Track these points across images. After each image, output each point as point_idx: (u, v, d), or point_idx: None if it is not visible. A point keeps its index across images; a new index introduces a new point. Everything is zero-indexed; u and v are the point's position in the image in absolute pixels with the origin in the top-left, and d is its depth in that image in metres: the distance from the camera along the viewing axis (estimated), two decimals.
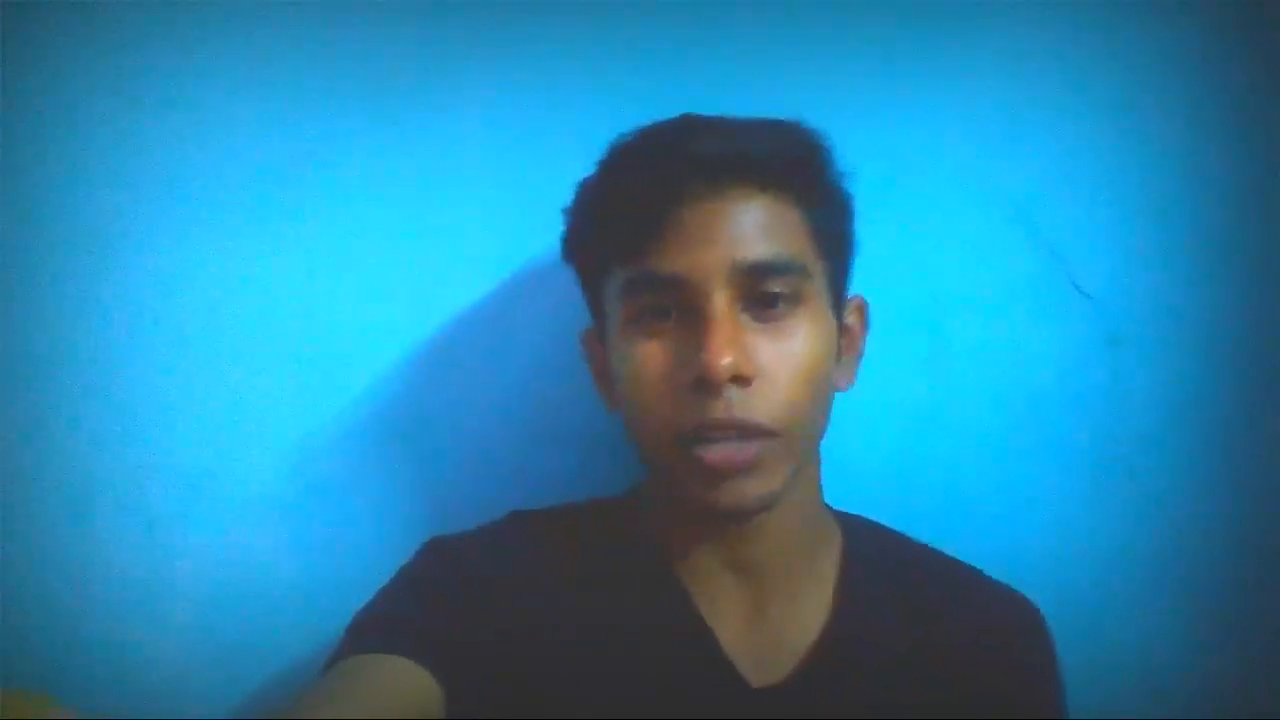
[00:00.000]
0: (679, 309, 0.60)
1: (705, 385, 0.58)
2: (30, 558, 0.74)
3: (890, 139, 0.79)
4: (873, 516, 0.73)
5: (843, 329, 0.66)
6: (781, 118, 0.64)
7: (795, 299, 0.61)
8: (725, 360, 0.57)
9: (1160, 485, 0.80)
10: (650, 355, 0.60)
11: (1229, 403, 0.80)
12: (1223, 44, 0.81)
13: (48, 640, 0.74)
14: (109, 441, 0.75)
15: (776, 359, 0.60)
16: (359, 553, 0.77)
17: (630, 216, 0.61)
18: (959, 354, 0.80)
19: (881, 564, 0.68)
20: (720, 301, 0.59)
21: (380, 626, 0.60)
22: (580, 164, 0.67)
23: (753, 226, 0.60)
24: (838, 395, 0.66)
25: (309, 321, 0.77)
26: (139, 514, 0.75)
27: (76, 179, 0.75)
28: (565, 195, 0.69)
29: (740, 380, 0.58)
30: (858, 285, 0.69)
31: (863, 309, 0.69)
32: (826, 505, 0.69)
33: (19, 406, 0.74)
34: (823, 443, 0.66)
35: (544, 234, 0.77)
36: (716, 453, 0.59)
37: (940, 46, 0.80)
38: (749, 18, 0.79)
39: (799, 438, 0.61)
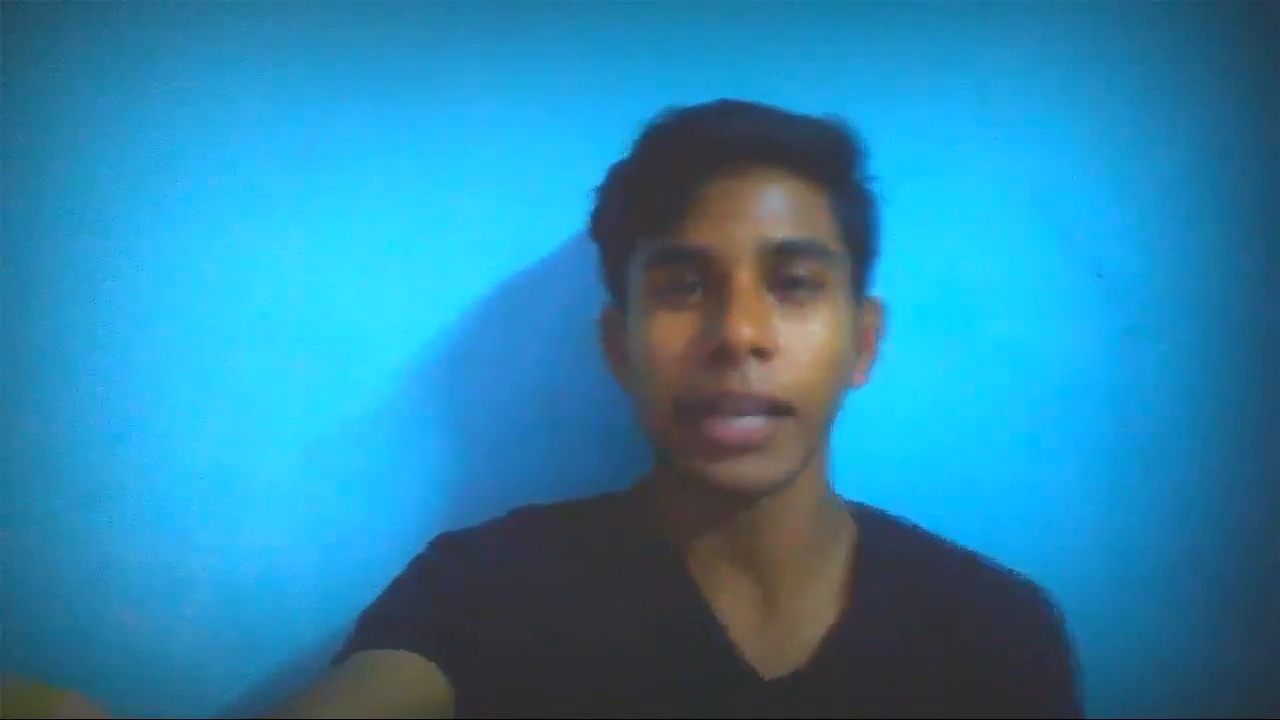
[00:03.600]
0: (703, 284, 0.60)
1: (725, 355, 0.58)
2: (44, 552, 0.74)
3: (909, 129, 0.79)
4: (891, 508, 0.72)
5: (860, 327, 0.66)
6: (820, 114, 0.64)
7: (818, 284, 0.61)
8: (747, 330, 0.57)
9: (1179, 477, 0.80)
10: (671, 326, 0.60)
11: (1249, 394, 0.80)
12: (1243, 34, 0.80)
13: (63, 632, 0.74)
14: (121, 436, 0.75)
15: (797, 338, 0.60)
16: (372, 545, 0.77)
17: (659, 191, 0.61)
18: (977, 345, 0.80)
19: (893, 554, 0.68)
20: (745, 276, 0.59)
21: (388, 622, 0.61)
22: (590, 156, 0.67)
23: (781, 207, 0.60)
24: (855, 389, 0.66)
25: (320, 315, 0.77)
26: (152, 509, 0.75)
27: (83, 173, 0.75)
28: (575, 186, 0.68)
29: (760, 353, 0.58)
30: (876, 274, 0.68)
31: (880, 310, 0.69)
32: (837, 496, 0.69)
33: (31, 402, 0.74)
34: (841, 434, 0.66)
35: (555, 225, 0.77)
36: (730, 429, 0.58)
37: (960, 37, 0.79)
38: (767, 7, 0.78)
39: (812, 419, 0.61)
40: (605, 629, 0.63)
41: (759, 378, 0.58)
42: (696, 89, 0.66)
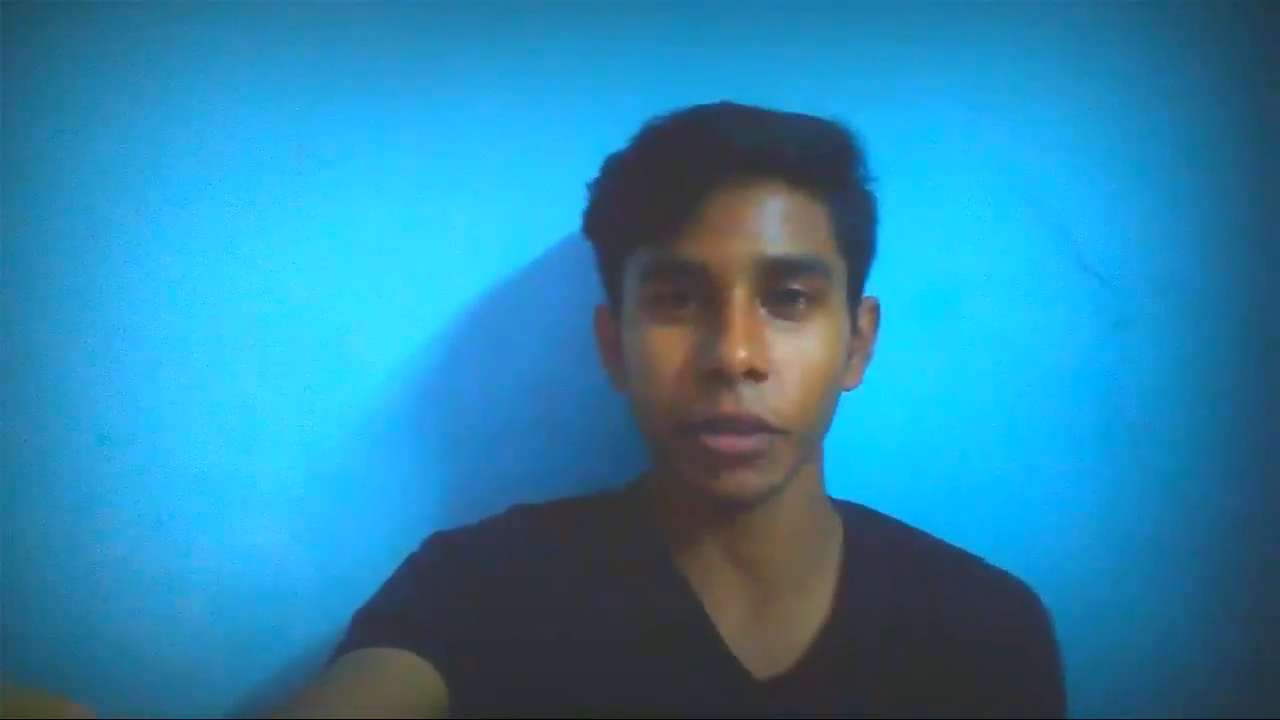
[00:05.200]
0: (698, 297, 0.60)
1: (720, 377, 0.58)
2: (40, 556, 0.74)
3: (899, 119, 0.79)
4: (882, 503, 0.72)
5: (855, 329, 0.66)
6: (819, 115, 0.64)
7: (815, 298, 0.61)
8: (742, 354, 0.57)
9: (1171, 469, 0.80)
10: (666, 341, 0.61)
11: (1241, 385, 0.80)
12: (1234, 25, 0.80)
13: (59, 637, 0.74)
14: (117, 440, 0.75)
15: (791, 357, 0.60)
16: (369, 547, 0.77)
17: (658, 200, 0.61)
18: (967, 337, 0.80)
19: (882, 554, 0.68)
20: (741, 294, 0.59)
21: (383, 621, 0.61)
22: (587, 156, 0.67)
23: (779, 221, 0.60)
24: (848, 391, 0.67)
25: (315, 317, 0.77)
26: (148, 512, 0.75)
27: (78, 176, 0.74)
28: (570, 185, 0.68)
29: (754, 375, 0.59)
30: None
31: (875, 310, 0.69)
32: (827, 496, 0.69)
33: (26, 406, 0.74)
34: (830, 431, 0.66)
35: (551, 226, 0.77)
36: (721, 440, 0.59)
37: (949, 25, 0.79)
38: (757, 5, 0.78)
39: (804, 436, 0.61)
40: (598, 628, 0.63)
41: (753, 398, 0.59)
42: (693, 88, 0.66)
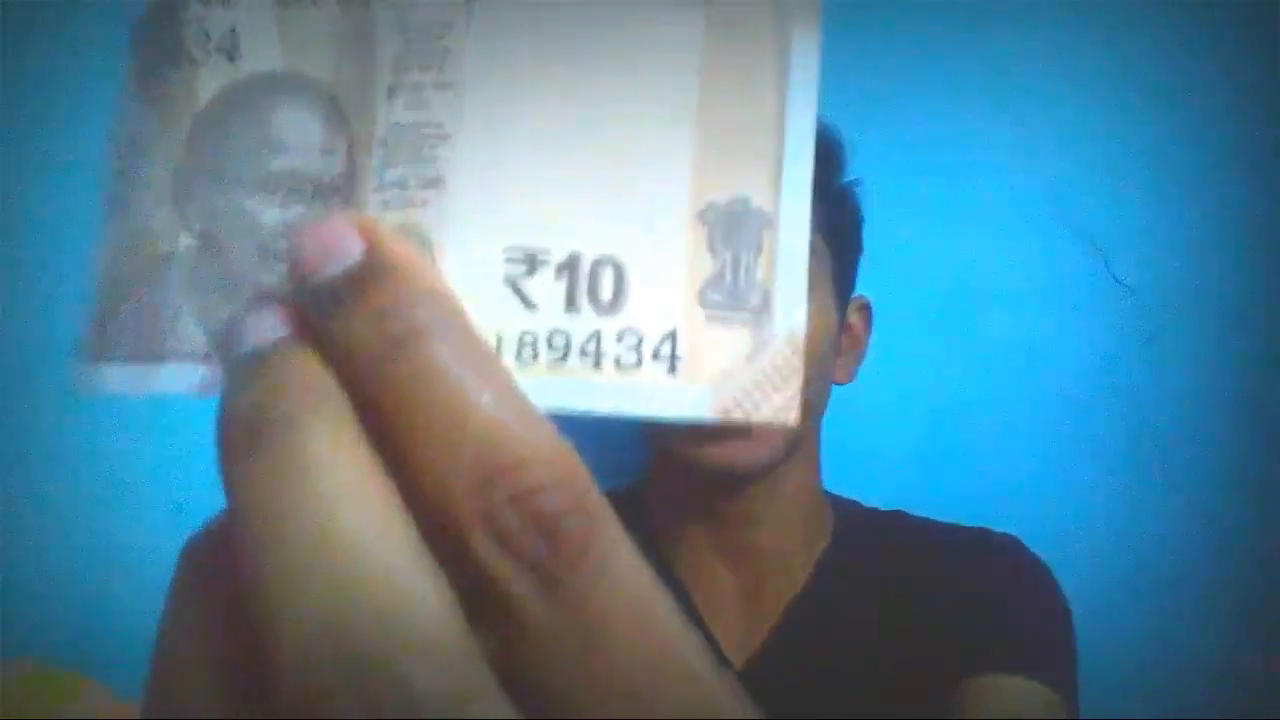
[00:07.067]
0: None
1: None
2: (59, 544, 0.75)
3: (926, 128, 0.79)
4: (907, 508, 0.71)
5: (845, 326, 0.67)
6: (841, 117, 0.64)
7: None
8: None
9: (1198, 482, 0.79)
10: None
11: (1268, 399, 0.79)
12: (1264, 34, 0.79)
13: (78, 620, 0.74)
14: (134, 430, 0.76)
15: None
16: None
17: None
18: (993, 348, 0.80)
19: (866, 534, 0.68)
20: None
21: None
22: None
23: None
24: (870, 388, 0.67)
25: None
26: (164, 501, 0.76)
27: (89, 173, 0.75)
28: None
29: None
30: (891, 275, 0.68)
31: (866, 309, 0.70)
32: (824, 490, 0.69)
33: (47, 398, 0.75)
34: (857, 432, 0.66)
35: None
36: None
37: (978, 35, 0.79)
38: None
39: None
40: None
41: None
42: None
